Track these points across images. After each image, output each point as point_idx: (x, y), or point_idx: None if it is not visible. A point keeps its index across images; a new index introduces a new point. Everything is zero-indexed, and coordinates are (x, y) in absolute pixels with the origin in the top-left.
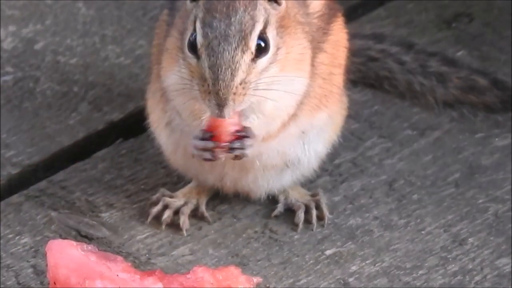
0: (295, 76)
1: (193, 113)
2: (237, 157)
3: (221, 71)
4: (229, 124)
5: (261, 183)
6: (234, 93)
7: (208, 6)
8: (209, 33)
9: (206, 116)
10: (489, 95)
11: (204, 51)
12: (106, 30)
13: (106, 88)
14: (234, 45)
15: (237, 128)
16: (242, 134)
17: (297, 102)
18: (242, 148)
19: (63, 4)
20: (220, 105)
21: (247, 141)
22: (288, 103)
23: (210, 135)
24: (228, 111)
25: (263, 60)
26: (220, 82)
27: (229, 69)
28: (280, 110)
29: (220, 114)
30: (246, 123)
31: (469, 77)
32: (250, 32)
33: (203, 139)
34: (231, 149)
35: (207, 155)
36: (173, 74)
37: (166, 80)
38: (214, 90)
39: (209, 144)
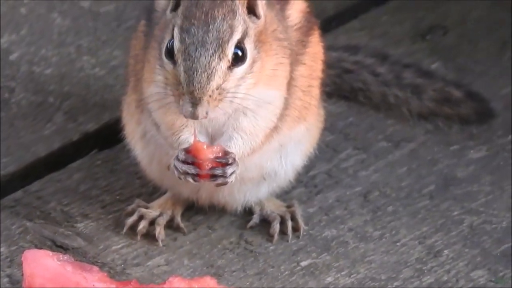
0: (271, 91)
1: (172, 129)
2: (219, 185)
3: (196, 74)
4: (211, 150)
5: (238, 196)
6: (210, 96)
7: (187, 13)
8: (187, 39)
9: (184, 135)
10: (464, 107)
11: (180, 56)
12: (81, 41)
13: (81, 98)
14: (211, 51)
15: (219, 154)
16: (224, 162)
17: (276, 116)
18: (224, 176)
19: (38, 14)
20: (194, 103)
21: (229, 169)
22: (266, 118)
23: (192, 159)
24: (202, 110)
25: (240, 69)
26: (195, 84)
27: (205, 73)
28: (259, 125)
29: (194, 114)
30: (231, 145)
31: (444, 89)
32: (228, 40)
33: (184, 161)
34: (213, 176)
35: (189, 178)
36: (154, 85)
37: (147, 91)
38: (188, 90)
39: (191, 169)
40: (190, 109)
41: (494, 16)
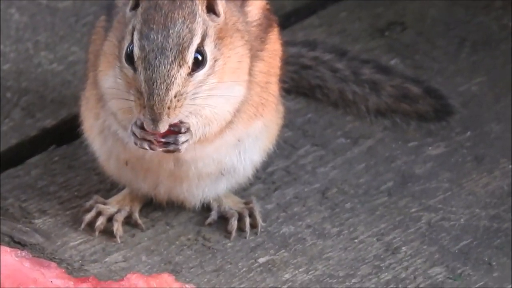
0: (233, 84)
1: (129, 112)
2: (170, 152)
3: (156, 85)
4: None
5: (196, 192)
6: (169, 107)
7: (146, 16)
8: (146, 46)
9: None
10: (422, 104)
11: (140, 64)
12: (39, 37)
13: (39, 94)
14: (170, 59)
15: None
16: (177, 129)
17: (234, 109)
18: (176, 143)
19: None
20: (155, 120)
21: (182, 137)
22: (225, 109)
23: None
24: (162, 125)
25: (200, 74)
26: (154, 96)
27: (165, 83)
28: (217, 115)
29: (155, 129)
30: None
31: (402, 85)
32: (188, 46)
33: (142, 128)
34: (166, 144)
35: (145, 144)
36: (110, 78)
37: (103, 83)
38: (149, 104)
39: (149, 135)
40: (152, 126)
41: (452, 14)
